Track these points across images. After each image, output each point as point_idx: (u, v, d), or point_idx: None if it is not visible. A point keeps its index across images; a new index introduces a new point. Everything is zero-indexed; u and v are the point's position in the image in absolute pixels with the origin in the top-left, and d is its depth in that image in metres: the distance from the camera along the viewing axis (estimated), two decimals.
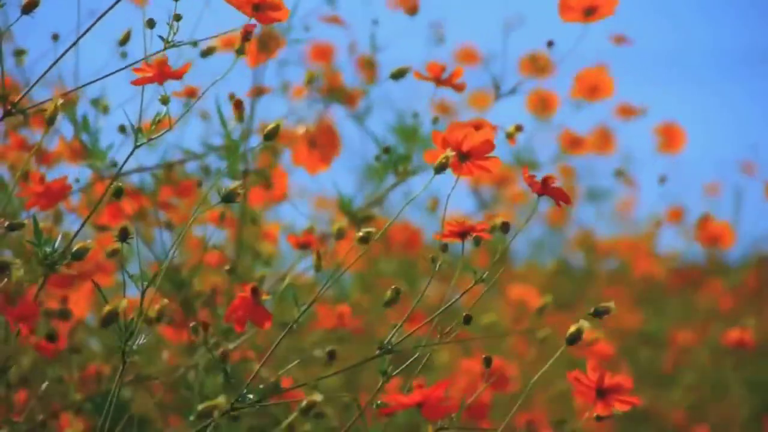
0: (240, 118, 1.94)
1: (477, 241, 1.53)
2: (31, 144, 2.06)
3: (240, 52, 1.56)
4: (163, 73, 1.52)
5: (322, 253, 1.62)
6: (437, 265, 1.53)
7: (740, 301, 3.86)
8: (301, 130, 2.10)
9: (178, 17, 1.54)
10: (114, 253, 1.73)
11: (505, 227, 1.54)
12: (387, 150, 2.11)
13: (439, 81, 1.87)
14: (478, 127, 1.84)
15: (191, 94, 2.06)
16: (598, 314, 1.54)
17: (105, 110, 2.05)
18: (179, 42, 1.55)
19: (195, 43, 1.67)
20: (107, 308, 1.49)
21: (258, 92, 2.16)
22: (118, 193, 1.53)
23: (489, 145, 1.53)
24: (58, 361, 2.01)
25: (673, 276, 3.83)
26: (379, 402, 1.55)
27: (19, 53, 1.99)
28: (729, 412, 3.43)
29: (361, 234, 1.56)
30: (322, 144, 2.11)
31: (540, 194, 1.53)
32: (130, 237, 1.54)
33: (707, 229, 2.56)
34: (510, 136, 1.90)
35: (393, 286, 1.59)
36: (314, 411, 1.55)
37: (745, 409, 3.41)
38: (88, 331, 2.18)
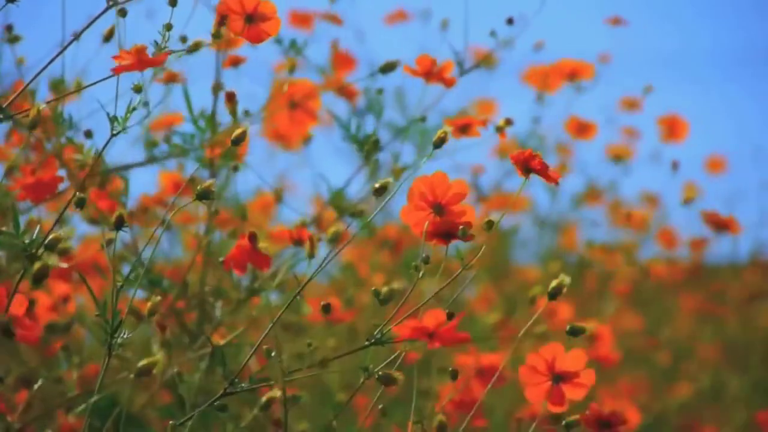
0: (233, 111, 1.93)
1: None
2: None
3: (216, 36, 1.56)
4: (142, 61, 1.51)
5: (315, 241, 1.61)
6: (420, 274, 1.51)
7: (738, 303, 3.86)
8: (278, 89, 2.07)
9: (169, 26, 1.55)
10: (109, 243, 1.73)
11: (489, 225, 1.50)
12: (376, 142, 2.09)
13: (429, 75, 1.86)
14: (466, 124, 1.84)
15: (172, 78, 2.05)
16: (573, 333, 1.52)
17: (79, 86, 2.03)
18: (174, 50, 1.55)
19: (183, 39, 1.66)
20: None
21: (234, 62, 2.14)
22: (80, 203, 1.53)
23: (461, 197, 1.51)
24: (56, 361, 2.01)
25: (672, 275, 3.83)
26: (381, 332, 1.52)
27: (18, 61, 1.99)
28: (729, 413, 3.42)
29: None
30: (301, 100, 2.07)
31: (526, 172, 1.50)
32: (125, 226, 1.54)
33: (713, 218, 2.55)
34: (500, 130, 1.89)
35: (387, 285, 1.58)
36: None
37: (745, 410, 3.40)
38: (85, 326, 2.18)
